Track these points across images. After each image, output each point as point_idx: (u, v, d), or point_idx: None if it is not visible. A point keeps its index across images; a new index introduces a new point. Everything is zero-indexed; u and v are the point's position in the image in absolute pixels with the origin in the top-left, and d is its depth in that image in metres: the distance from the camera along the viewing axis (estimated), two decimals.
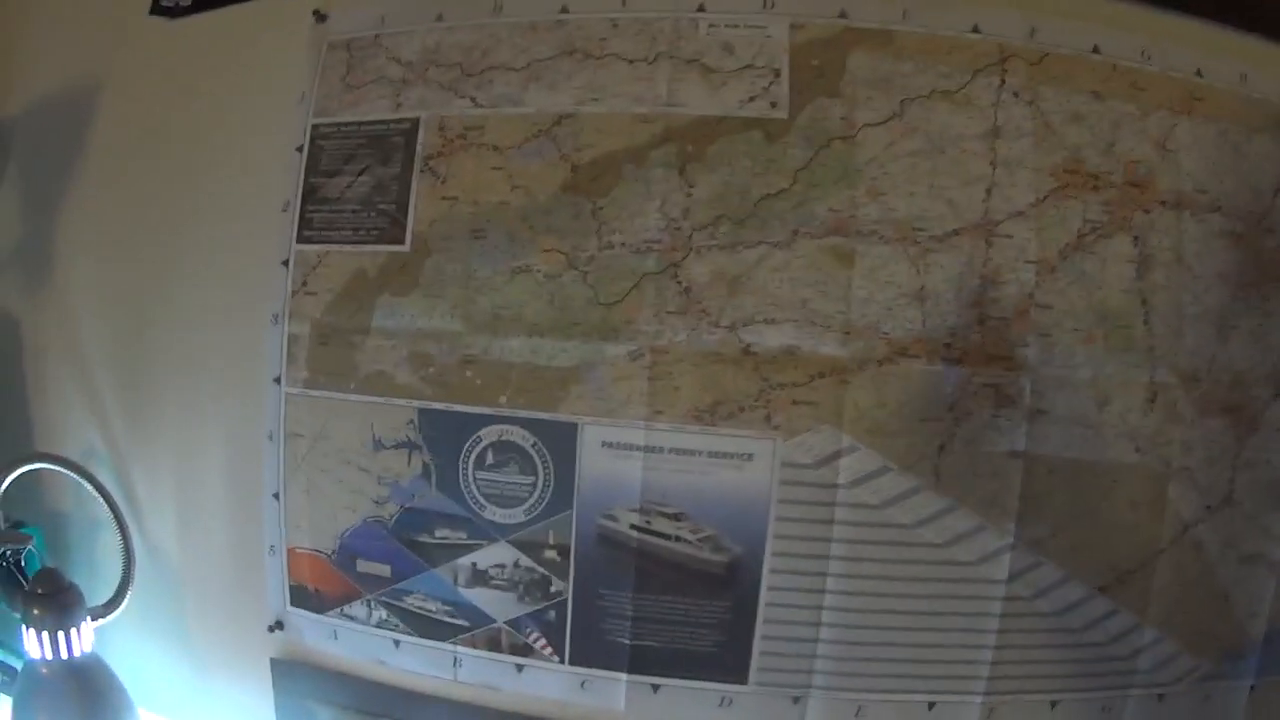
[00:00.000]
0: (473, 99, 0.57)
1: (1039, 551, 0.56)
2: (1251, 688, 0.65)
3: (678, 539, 0.54)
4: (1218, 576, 0.62)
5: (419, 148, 0.57)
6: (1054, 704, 0.59)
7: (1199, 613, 0.62)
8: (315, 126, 0.59)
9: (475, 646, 0.57)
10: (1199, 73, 0.61)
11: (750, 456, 0.53)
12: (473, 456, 0.55)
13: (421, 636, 0.58)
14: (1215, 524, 0.61)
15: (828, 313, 0.53)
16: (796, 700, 0.56)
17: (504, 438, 0.55)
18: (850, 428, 0.53)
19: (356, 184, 0.58)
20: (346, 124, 0.59)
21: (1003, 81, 0.56)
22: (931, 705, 0.57)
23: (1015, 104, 0.56)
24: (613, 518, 0.54)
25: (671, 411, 0.53)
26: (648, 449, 0.53)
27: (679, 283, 0.54)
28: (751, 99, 0.55)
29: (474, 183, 0.56)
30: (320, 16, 0.60)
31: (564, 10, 0.57)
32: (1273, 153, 0.63)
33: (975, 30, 0.57)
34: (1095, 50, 0.59)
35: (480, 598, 0.57)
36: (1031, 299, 0.55)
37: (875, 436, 0.53)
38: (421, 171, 0.57)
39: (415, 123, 0.57)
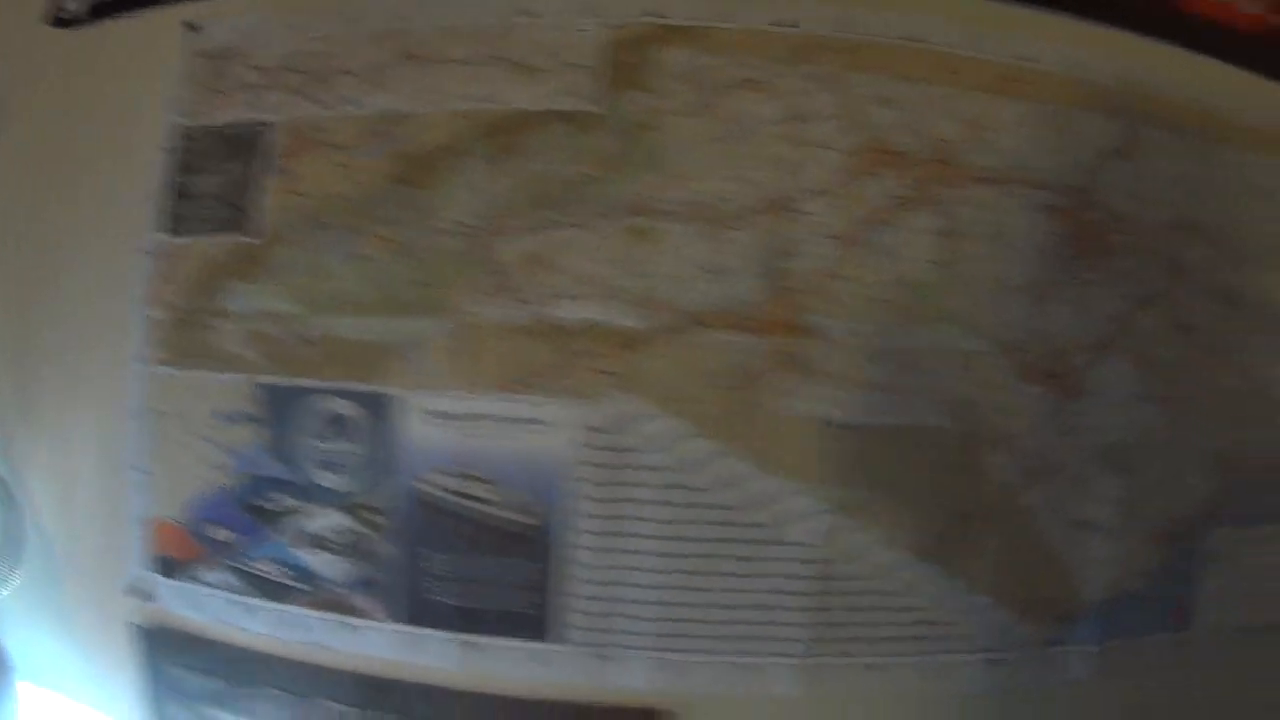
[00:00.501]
0: (321, 102, 0.63)
1: (849, 515, 0.59)
2: (1096, 652, 0.66)
3: (490, 502, 0.58)
4: (1047, 542, 0.63)
5: (271, 148, 0.63)
6: (878, 668, 0.61)
7: (1030, 578, 0.64)
8: (181, 128, 0.65)
9: (313, 608, 0.62)
10: (1021, 55, 0.64)
11: (555, 423, 0.57)
12: (307, 427, 0.60)
13: (266, 599, 0.62)
14: (1041, 490, 0.63)
15: (629, 288, 0.57)
16: (609, 660, 0.59)
17: (335, 409, 0.60)
18: (649, 396, 0.57)
19: (215, 181, 0.64)
20: (210, 126, 0.65)
21: (811, 70, 0.61)
22: (746, 666, 0.60)
23: (821, 91, 0.61)
24: (431, 483, 0.58)
25: (483, 382, 0.58)
26: (462, 417, 0.58)
27: (492, 264, 0.58)
28: (567, 94, 0.60)
29: (318, 179, 0.62)
30: (191, 27, 0.67)
31: (404, 19, 0.63)
32: (1098, 130, 0.66)
33: (789, 25, 0.62)
34: (911, 39, 0.62)
35: (316, 561, 0.61)
36: (830, 272, 0.58)
37: (674, 404, 0.57)
38: (273, 169, 0.63)
39: (269, 125, 0.64)
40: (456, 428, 0.58)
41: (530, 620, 0.59)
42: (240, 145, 0.65)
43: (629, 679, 0.60)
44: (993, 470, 0.62)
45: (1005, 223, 0.62)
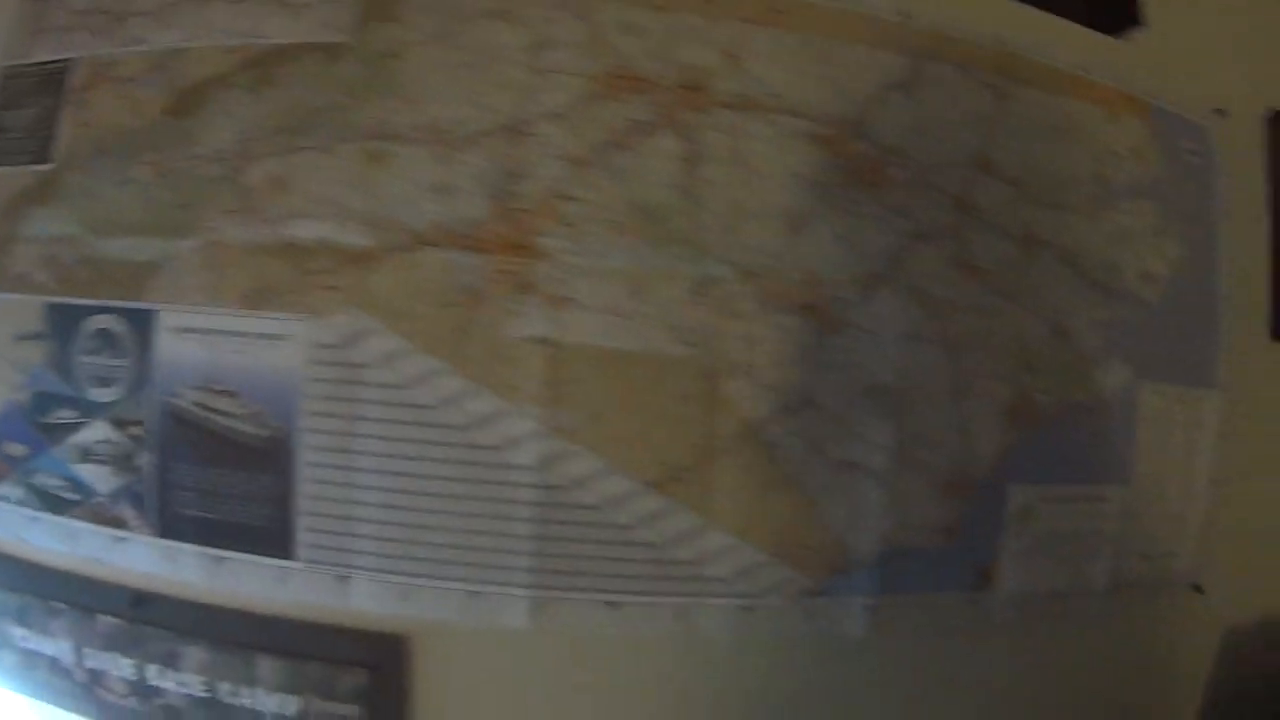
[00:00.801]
0: (116, 40, 0.68)
1: (571, 440, 0.58)
2: (872, 607, 0.62)
3: (230, 415, 0.60)
4: (804, 483, 0.61)
5: (72, 83, 0.68)
6: (613, 605, 0.60)
7: (783, 520, 0.62)
8: (5, 68, 0.71)
9: (86, 520, 0.65)
10: None
11: (287, 337, 0.59)
12: (83, 342, 0.64)
13: (48, 512, 0.66)
14: (793, 425, 0.61)
15: (359, 208, 0.59)
16: (343, 579, 0.60)
17: (105, 325, 0.63)
18: (374, 311, 0.58)
19: (29, 115, 0.69)
20: (27, 65, 0.71)
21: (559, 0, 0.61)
22: (475, 594, 0.59)
23: (566, 18, 0.61)
24: (181, 396, 0.61)
25: (226, 298, 0.60)
26: (206, 331, 0.61)
27: (240, 186, 0.61)
28: (323, 27, 0.63)
29: (105, 110, 0.66)
30: None
31: None
32: (874, 63, 0.64)
33: None
34: None
35: (88, 473, 0.64)
36: (558, 192, 0.58)
37: (397, 320, 0.58)
38: (71, 103, 0.68)
39: (73, 62, 0.69)
40: (204, 342, 0.61)
41: (272, 536, 0.61)
42: (50, 82, 0.70)
43: (364, 601, 0.61)
44: (735, 402, 0.61)
45: (754, 149, 0.61)
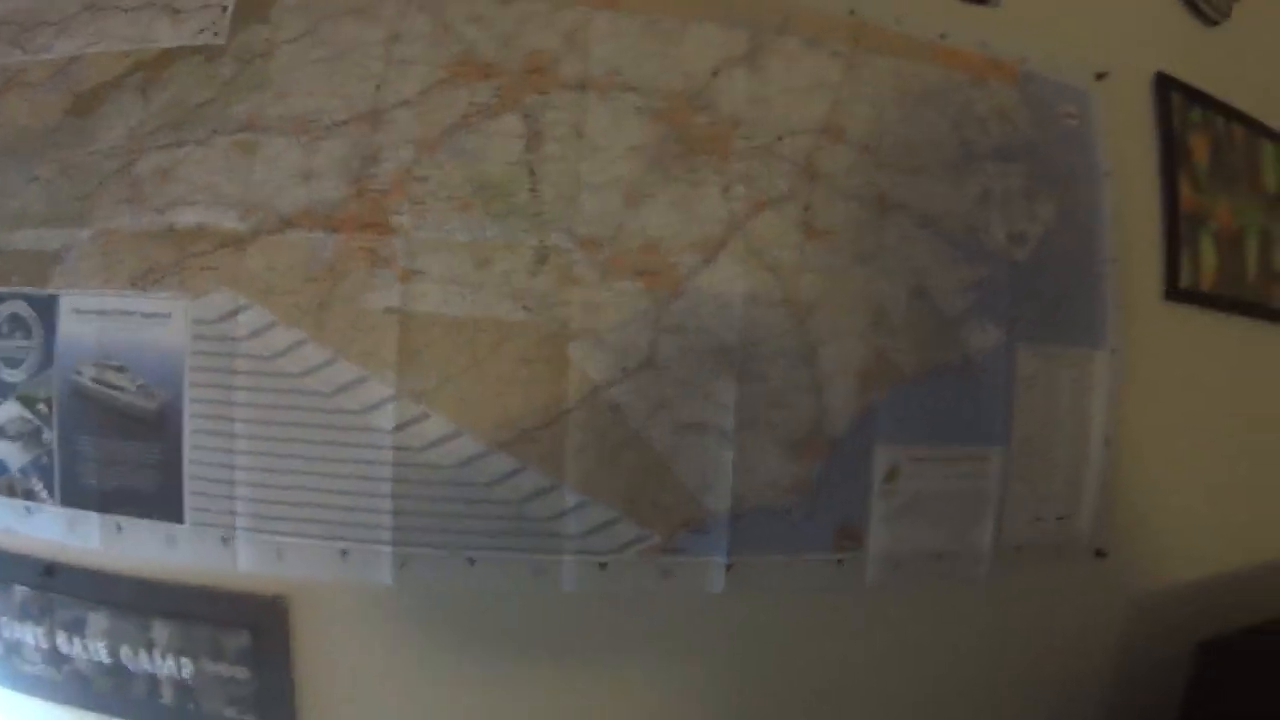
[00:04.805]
0: (25, 49, 0.81)
1: (424, 403, 0.68)
2: (728, 566, 0.70)
3: (122, 389, 0.71)
4: (650, 442, 0.70)
5: None
6: (472, 561, 0.69)
7: (632, 479, 0.71)
8: None
9: (2, 494, 0.77)
10: None
11: (170, 315, 0.71)
12: None
13: None
14: (636, 387, 0.70)
15: (231, 194, 0.71)
16: (225, 541, 0.71)
17: (14, 311, 0.76)
18: (245, 288, 0.70)
19: None
20: None
21: None
22: (345, 553, 0.69)
23: (418, 14, 0.73)
24: (79, 372, 0.73)
25: (116, 280, 0.73)
26: (100, 313, 0.73)
27: (130, 177, 0.74)
28: (202, 30, 0.75)
29: (14, 113, 0.80)
30: None
31: None
32: (713, 39, 0.74)
33: None
34: None
35: (2, 449, 0.77)
36: (408, 173, 0.69)
37: (266, 295, 0.70)
38: None
39: None
40: (97, 322, 0.73)
41: (162, 500, 0.73)
42: None
43: (245, 562, 0.72)
44: (578, 365, 0.70)
45: (594, 126, 0.72)
